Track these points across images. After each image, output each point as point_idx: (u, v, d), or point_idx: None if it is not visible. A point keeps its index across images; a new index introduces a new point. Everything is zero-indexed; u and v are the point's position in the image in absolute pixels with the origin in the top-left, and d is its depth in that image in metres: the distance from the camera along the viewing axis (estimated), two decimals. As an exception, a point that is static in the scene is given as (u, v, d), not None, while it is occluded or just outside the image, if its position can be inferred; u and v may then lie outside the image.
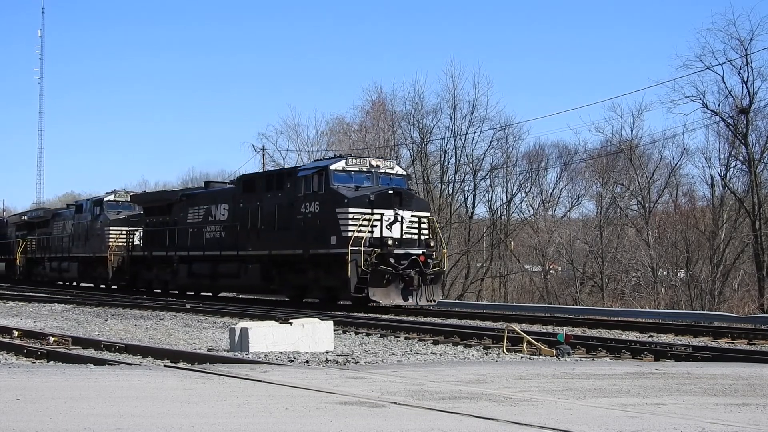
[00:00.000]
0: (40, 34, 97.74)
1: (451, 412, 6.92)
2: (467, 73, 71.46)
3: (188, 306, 24.17)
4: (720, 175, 39.69)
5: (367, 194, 24.33)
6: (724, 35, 35.84)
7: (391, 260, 23.63)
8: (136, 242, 36.20)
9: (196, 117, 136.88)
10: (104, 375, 9.56)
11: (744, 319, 23.71)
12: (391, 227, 24.15)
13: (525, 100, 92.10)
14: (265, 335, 13.44)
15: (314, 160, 31.71)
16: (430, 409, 7.14)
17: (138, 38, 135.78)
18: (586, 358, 13.55)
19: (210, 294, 33.08)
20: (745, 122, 35.91)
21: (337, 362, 12.08)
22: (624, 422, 6.58)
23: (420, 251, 24.41)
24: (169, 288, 33.91)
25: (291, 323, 13.99)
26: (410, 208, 24.75)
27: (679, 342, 15.30)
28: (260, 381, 8.87)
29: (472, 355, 13.66)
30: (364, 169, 25.30)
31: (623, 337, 16.51)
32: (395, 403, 7.41)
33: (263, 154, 58.53)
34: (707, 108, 37.34)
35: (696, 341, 15.94)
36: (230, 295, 34.29)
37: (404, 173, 27.16)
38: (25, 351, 12.94)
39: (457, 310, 26.66)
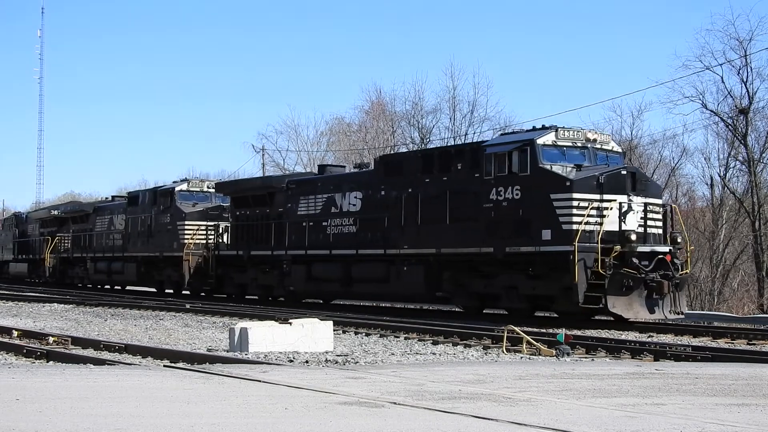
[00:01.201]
0: (40, 34, 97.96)
1: (451, 412, 6.92)
2: (467, 73, 71.68)
3: (188, 306, 24.16)
4: (719, 176, 39.75)
5: (594, 175, 19.21)
6: (724, 35, 35.97)
7: (634, 261, 18.72)
8: (221, 239, 30.68)
9: (195, 117, 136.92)
10: (104, 375, 9.56)
11: (743, 320, 23.75)
12: (625, 218, 19.09)
13: (525, 100, 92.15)
14: (265, 335, 13.44)
15: (501, 134, 24.38)
16: (430, 409, 7.14)
17: (138, 38, 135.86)
18: (585, 358, 13.55)
19: (341, 302, 27.82)
20: (744, 122, 35.95)
21: (336, 362, 12.08)
22: (624, 422, 6.58)
23: (666, 249, 19.57)
24: (275, 294, 28.13)
25: (291, 323, 13.99)
26: (644, 193, 19.61)
27: (679, 342, 15.29)
28: (260, 381, 8.87)
29: (472, 356, 13.66)
30: (579, 144, 20.20)
31: (623, 337, 16.51)
32: (395, 403, 7.40)
33: (263, 154, 58.61)
34: (707, 108, 37.41)
35: (696, 341, 15.93)
36: (369, 303, 27.78)
37: (620, 150, 21.69)
38: (24, 351, 12.94)
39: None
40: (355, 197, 24.74)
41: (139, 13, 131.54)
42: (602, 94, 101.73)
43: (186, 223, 32.15)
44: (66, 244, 42.40)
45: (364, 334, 17.21)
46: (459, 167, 21.55)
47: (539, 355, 13.42)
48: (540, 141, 19.78)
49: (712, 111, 37.30)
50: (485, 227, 20.44)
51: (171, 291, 34.07)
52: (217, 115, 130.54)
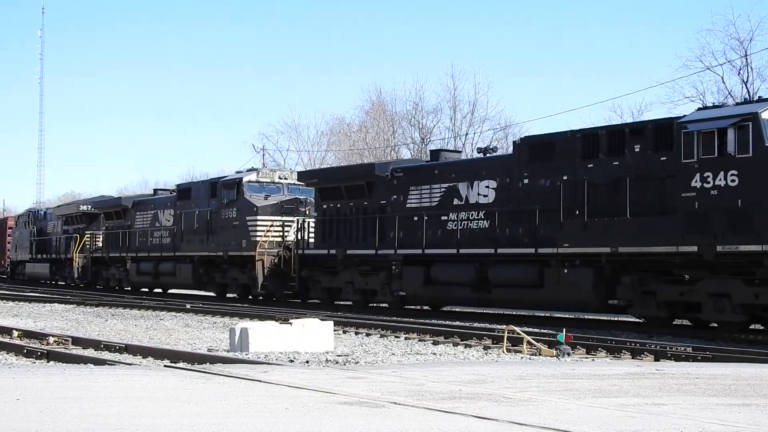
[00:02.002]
0: (40, 34, 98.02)
1: (451, 413, 6.92)
2: (467, 74, 71.31)
3: (188, 306, 24.17)
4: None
5: None
6: (724, 35, 36.12)
7: None
8: (303, 236, 26.96)
9: (196, 116, 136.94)
10: (104, 375, 9.56)
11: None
12: None
13: (525, 100, 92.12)
14: (265, 335, 13.45)
15: (699, 109, 19.58)
16: (430, 409, 7.14)
17: (138, 38, 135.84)
18: (586, 358, 13.56)
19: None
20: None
21: (337, 362, 12.09)
22: (624, 422, 6.58)
23: None
24: (379, 299, 24.63)
25: (291, 323, 14.00)
26: None
27: (679, 342, 15.29)
28: (260, 381, 8.87)
29: (472, 356, 13.66)
30: None
31: (623, 337, 16.50)
32: (395, 403, 7.40)
33: (263, 154, 58.65)
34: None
35: (696, 341, 15.92)
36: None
37: None
38: (25, 351, 12.95)
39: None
40: (487, 187, 21.21)
41: (140, 13, 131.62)
42: (602, 94, 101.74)
43: (258, 218, 27.95)
44: (97, 243, 39.03)
45: (364, 334, 17.21)
46: (637, 149, 18.08)
47: (540, 355, 13.43)
48: (765, 115, 16.25)
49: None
50: (685, 221, 16.98)
51: (234, 296, 30.16)
52: (217, 115, 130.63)
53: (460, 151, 27.10)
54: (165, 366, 11.05)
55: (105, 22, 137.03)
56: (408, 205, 23.23)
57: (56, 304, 26.37)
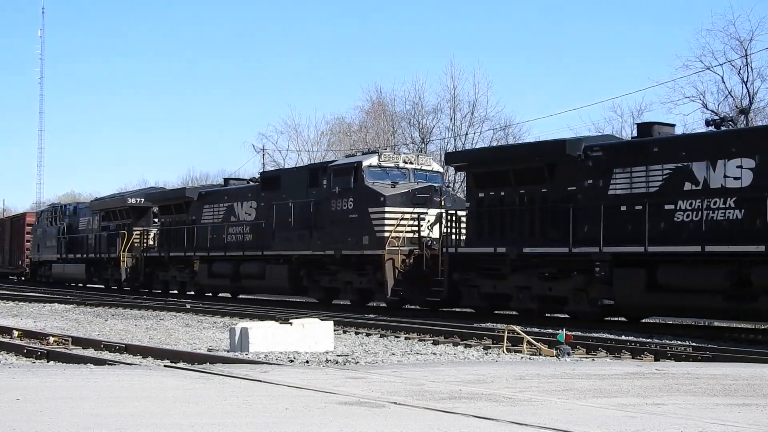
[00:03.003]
0: (40, 34, 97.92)
1: (451, 412, 6.92)
2: (467, 73, 71.29)
3: (188, 306, 24.17)
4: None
5: None
6: (724, 35, 36.11)
7: None
8: (451, 230, 22.55)
9: (196, 117, 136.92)
10: (104, 375, 9.56)
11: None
12: None
13: (525, 100, 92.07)
14: (265, 335, 13.46)
15: None
16: (430, 409, 7.14)
17: (138, 38, 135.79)
18: (586, 358, 13.56)
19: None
20: (745, 123, 35.94)
21: (337, 362, 12.09)
22: (624, 422, 6.58)
23: None
24: (579, 308, 19.68)
25: (291, 323, 14.00)
26: None
27: (679, 342, 15.30)
28: (260, 381, 8.87)
29: (472, 355, 13.67)
30: None
31: (623, 337, 16.51)
32: (395, 403, 7.40)
33: (263, 154, 58.67)
34: (707, 108, 37.49)
35: (696, 341, 15.93)
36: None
37: None
38: (25, 351, 12.95)
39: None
40: (739, 167, 17.01)
41: (140, 13, 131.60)
42: (602, 94, 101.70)
43: (387, 209, 23.16)
44: (148, 241, 34.97)
45: (364, 334, 17.22)
46: None
47: (540, 355, 13.43)
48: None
49: (712, 111, 37.35)
50: None
51: (346, 302, 25.72)
52: (217, 115, 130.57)
53: (674, 125, 20.26)
54: (165, 366, 11.05)
55: (105, 21, 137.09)
56: (611, 192, 18.95)
57: (56, 304, 26.38)
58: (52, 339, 14.48)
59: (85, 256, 38.94)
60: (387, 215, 23.23)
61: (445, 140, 48.46)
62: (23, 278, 48.22)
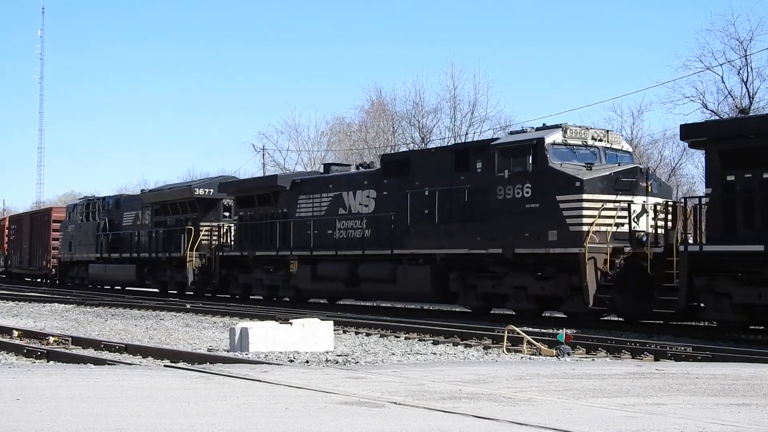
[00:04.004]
0: (41, 35, 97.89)
1: (451, 412, 6.92)
2: (467, 73, 71.12)
3: (188, 306, 24.16)
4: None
5: None
6: (724, 35, 36.09)
7: None
8: (676, 225, 18.35)
9: (196, 116, 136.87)
10: (104, 375, 9.56)
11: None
12: None
13: (525, 100, 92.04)
14: (265, 335, 13.46)
15: None
16: (430, 409, 7.14)
17: (138, 38, 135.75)
18: (586, 358, 13.56)
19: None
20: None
21: (337, 362, 12.09)
22: (624, 422, 6.58)
23: None
24: None
25: (291, 323, 14.00)
26: None
27: (679, 342, 15.29)
28: (260, 381, 8.87)
29: (472, 355, 13.67)
30: None
31: (623, 337, 16.49)
32: (395, 403, 7.40)
33: (263, 154, 58.65)
34: (707, 108, 37.49)
35: (696, 341, 15.91)
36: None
37: None
38: (25, 351, 12.96)
39: None
40: None
41: (140, 13, 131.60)
42: (602, 94, 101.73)
43: (585, 197, 18.63)
44: (222, 237, 30.31)
45: (364, 334, 17.21)
46: None
47: (540, 355, 13.43)
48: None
49: (712, 111, 37.36)
50: None
51: (510, 312, 20.98)
52: (217, 115, 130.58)
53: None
54: (165, 366, 11.05)
55: (105, 21, 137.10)
56: None
57: (56, 303, 26.37)
58: (52, 339, 14.47)
59: (136, 255, 33.91)
60: (585, 204, 18.61)
61: (444, 140, 48.45)
62: (47, 281, 43.17)
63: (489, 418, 6.67)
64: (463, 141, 22.72)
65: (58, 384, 8.72)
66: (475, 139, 45.14)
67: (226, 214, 31.20)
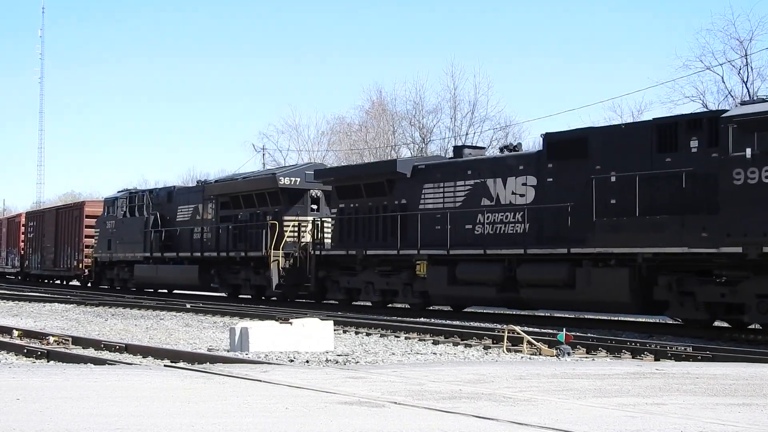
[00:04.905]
0: (40, 34, 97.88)
1: (451, 412, 6.92)
2: (468, 73, 71.03)
3: (188, 306, 24.17)
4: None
5: None
6: (724, 35, 36.07)
7: None
8: None
9: (196, 116, 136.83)
10: (104, 375, 9.56)
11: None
12: None
13: (525, 99, 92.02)
14: (265, 335, 13.46)
15: None
16: (431, 409, 7.14)
17: (138, 38, 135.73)
18: (586, 358, 13.56)
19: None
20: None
21: (337, 362, 12.09)
22: (624, 422, 6.58)
23: None
24: None
25: (291, 323, 14.00)
26: None
27: (679, 342, 15.29)
28: (260, 381, 8.87)
29: (473, 355, 13.67)
30: None
31: (623, 337, 16.50)
32: (395, 402, 7.40)
33: (263, 154, 58.62)
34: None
35: (696, 341, 15.91)
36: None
37: None
38: (25, 351, 12.96)
39: None
40: None
41: (140, 13, 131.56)
42: (602, 94, 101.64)
43: None
44: (313, 234, 25.94)
45: (364, 333, 17.21)
46: None
47: (540, 354, 13.43)
48: None
49: (713, 111, 37.27)
50: None
51: (755, 325, 16.89)
52: (217, 115, 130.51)
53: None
54: (165, 366, 11.05)
55: (105, 21, 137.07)
56: None
57: (56, 303, 26.37)
58: (52, 339, 14.48)
59: (199, 255, 30.08)
60: None
61: (445, 140, 48.50)
62: (78, 283, 39.28)
63: (489, 418, 6.66)
64: (664, 115, 17.66)
65: (59, 384, 8.72)
66: (474, 138, 45.17)
67: (314, 206, 27.33)
